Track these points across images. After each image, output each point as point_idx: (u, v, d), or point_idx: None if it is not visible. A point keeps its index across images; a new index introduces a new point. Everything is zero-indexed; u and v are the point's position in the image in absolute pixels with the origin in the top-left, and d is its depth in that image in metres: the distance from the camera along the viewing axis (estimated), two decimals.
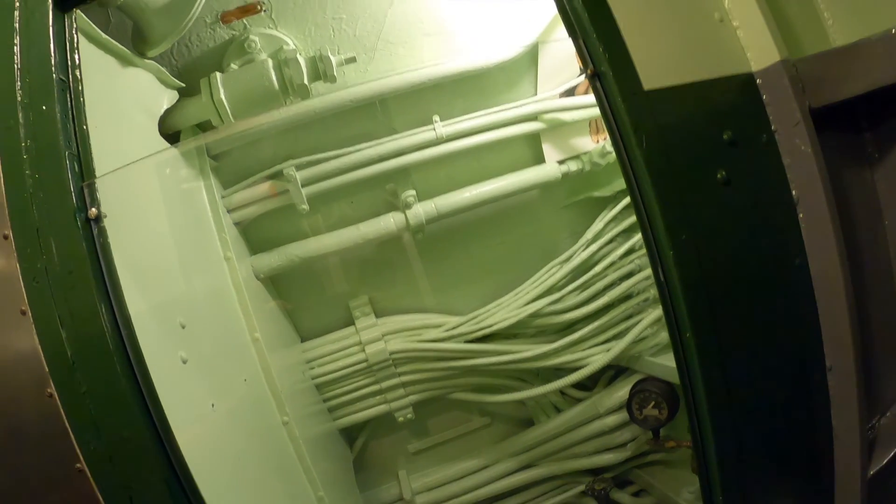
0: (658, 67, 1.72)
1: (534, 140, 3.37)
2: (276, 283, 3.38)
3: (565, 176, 3.33)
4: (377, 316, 3.49)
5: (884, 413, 2.14)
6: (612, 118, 1.71)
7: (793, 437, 1.91)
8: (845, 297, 1.85)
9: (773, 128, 1.84)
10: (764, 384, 1.87)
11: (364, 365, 3.35)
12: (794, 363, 1.90)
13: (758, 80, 1.86)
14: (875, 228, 2.23)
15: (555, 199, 3.53)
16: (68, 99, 1.81)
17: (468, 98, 3.21)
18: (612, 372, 3.49)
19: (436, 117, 3.15)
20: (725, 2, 1.90)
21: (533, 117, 3.25)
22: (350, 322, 3.48)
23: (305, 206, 3.08)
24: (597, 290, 3.22)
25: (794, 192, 1.84)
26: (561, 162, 3.36)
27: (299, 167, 3.09)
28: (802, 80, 1.87)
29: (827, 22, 2.24)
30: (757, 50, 1.86)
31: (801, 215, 1.85)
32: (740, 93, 1.83)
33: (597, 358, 3.09)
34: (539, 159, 3.39)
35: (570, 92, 3.23)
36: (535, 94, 3.29)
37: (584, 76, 3.06)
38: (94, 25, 2.12)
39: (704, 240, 1.71)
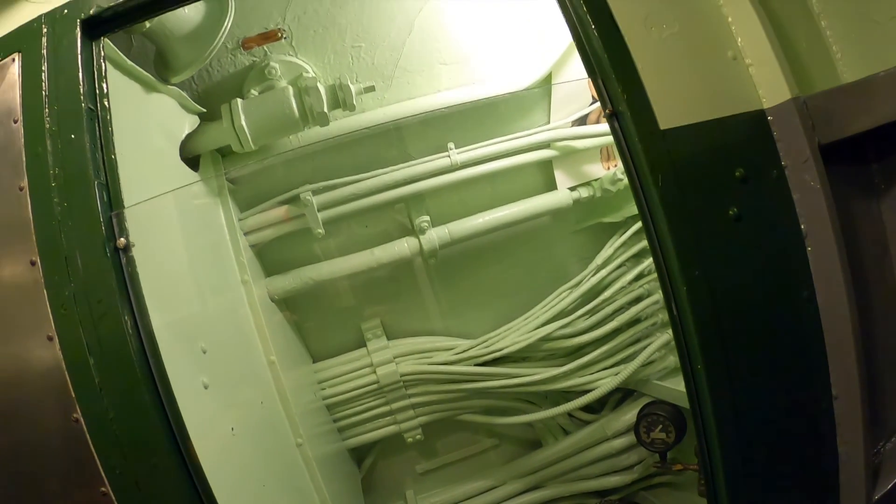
0: (674, 106, 1.77)
1: (546, 167, 3.43)
2: (290, 305, 3.41)
3: (576, 202, 3.37)
4: (389, 338, 3.52)
5: (889, 439, 2.16)
6: (629, 157, 1.75)
7: (799, 463, 1.93)
8: (851, 328, 1.89)
9: (783, 164, 1.88)
10: (771, 412, 1.90)
11: (375, 386, 3.37)
12: (802, 392, 1.92)
13: (769, 118, 1.90)
14: (882, 257, 2.26)
15: (566, 225, 3.58)
16: (97, 128, 1.84)
17: (483, 125, 3.27)
18: (620, 395, 3.49)
19: (451, 144, 3.20)
20: (739, 40, 1.95)
21: (545, 145, 3.30)
22: (362, 344, 3.51)
23: (321, 231, 3.12)
24: (606, 314, 3.24)
25: (802, 226, 1.88)
26: (572, 188, 3.40)
27: (315, 192, 3.14)
28: (812, 117, 1.92)
29: (836, 56, 2.29)
30: (768, 87, 1.91)
31: (809, 248, 1.89)
32: (752, 130, 1.87)
33: (605, 381, 3.10)
34: (551, 185, 3.44)
35: (581, 120, 3.28)
36: (548, 122, 3.35)
37: (595, 104, 3.13)
38: (118, 51, 2.17)
39: (716, 275, 1.74)
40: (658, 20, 1.86)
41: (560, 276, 3.44)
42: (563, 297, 3.33)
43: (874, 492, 1.97)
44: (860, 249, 2.17)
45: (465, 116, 3.23)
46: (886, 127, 2.03)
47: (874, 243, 2.25)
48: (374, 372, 3.37)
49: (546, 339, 3.26)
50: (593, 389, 3.15)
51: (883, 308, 2.23)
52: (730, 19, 1.97)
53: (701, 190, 1.75)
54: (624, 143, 1.76)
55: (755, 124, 1.88)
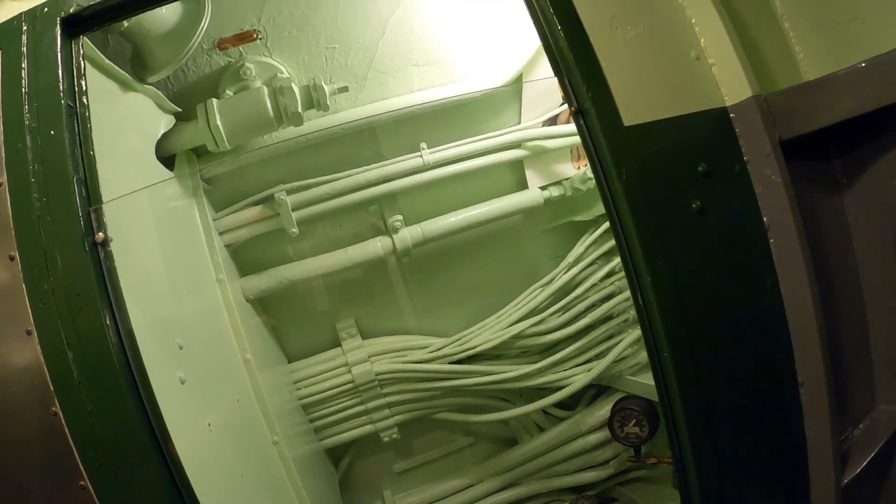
0: (637, 104, 1.84)
1: (517, 166, 3.48)
2: (265, 305, 3.43)
3: (547, 201, 3.43)
4: (363, 337, 3.55)
5: (857, 425, 2.26)
6: (594, 153, 1.81)
7: (769, 450, 1.99)
8: (815, 315, 1.97)
9: (745, 159, 1.96)
10: (739, 399, 1.96)
11: (350, 386, 3.39)
12: (768, 379, 1.99)
13: (731, 115, 1.98)
14: (845, 250, 2.35)
15: (537, 224, 3.63)
16: (76, 125, 1.86)
17: (455, 126, 3.32)
18: (594, 391, 3.56)
19: (423, 144, 3.25)
20: (702, 40, 2.03)
21: (517, 145, 3.36)
22: (337, 343, 3.53)
23: (295, 230, 3.15)
24: (578, 311, 3.30)
25: (765, 219, 1.96)
26: (543, 187, 3.46)
27: (289, 192, 3.16)
28: (773, 114, 2.00)
29: (799, 56, 2.38)
30: (730, 86, 1.99)
31: (772, 240, 1.97)
32: (714, 126, 1.95)
33: (578, 378, 3.15)
34: (522, 185, 3.50)
35: (552, 120, 3.35)
36: (519, 122, 3.41)
37: (566, 106, 3.19)
38: (96, 50, 2.19)
39: (680, 266, 1.81)
40: (623, 21, 1.93)
41: (532, 274, 3.50)
42: (536, 294, 3.38)
43: (843, 476, 2.04)
44: (823, 241, 2.26)
45: (438, 117, 3.28)
46: (848, 123, 2.12)
47: (837, 235, 2.33)
48: (350, 371, 3.39)
49: (519, 336, 3.31)
50: (567, 386, 3.20)
51: (847, 298, 2.32)
52: (693, 21, 2.04)
53: (664, 184, 1.82)
54: (589, 140, 1.82)
55: (718, 121, 1.96)
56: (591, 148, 1.82)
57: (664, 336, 1.80)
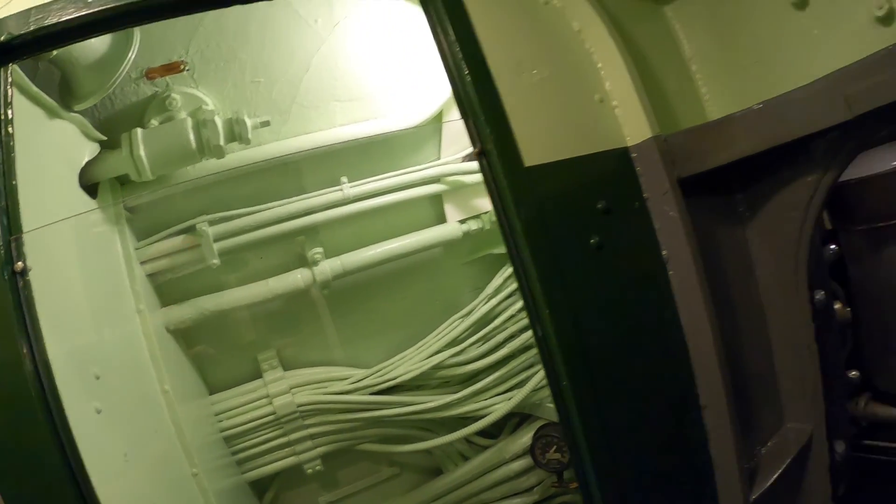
0: (539, 145, 1.96)
1: (437, 200, 3.58)
2: (187, 336, 3.37)
3: (466, 234, 3.52)
4: (285, 369, 3.52)
5: (766, 443, 2.44)
6: (495, 192, 1.92)
7: (676, 471, 2.11)
8: (713, 343, 2.13)
9: (645, 196, 2.12)
10: (643, 425, 2.08)
11: (272, 417, 3.36)
12: (671, 404, 2.13)
13: (632, 154, 2.14)
14: (747, 279, 2.54)
15: (457, 256, 3.71)
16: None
17: (376, 160, 3.40)
18: (517, 419, 3.61)
19: (344, 178, 3.31)
20: (607, 84, 2.19)
21: (436, 179, 3.47)
22: (258, 375, 3.50)
23: (216, 261, 3.13)
24: (497, 341, 3.38)
25: (664, 252, 2.11)
26: (462, 221, 3.56)
27: (212, 223, 3.15)
28: (672, 153, 2.18)
29: (704, 97, 2.57)
30: (632, 127, 2.15)
31: (671, 272, 2.13)
32: (616, 166, 2.10)
33: (499, 406, 3.24)
34: (442, 218, 3.59)
35: (471, 156, 3.43)
36: (439, 157, 3.52)
37: None
38: (24, 76, 2.18)
39: (579, 298, 1.93)
40: (530, 65, 2.06)
41: (452, 305, 3.57)
42: (455, 325, 3.45)
43: (752, 492, 2.18)
44: (727, 272, 2.44)
45: (359, 152, 3.36)
46: (749, 160, 2.31)
47: (741, 266, 2.53)
48: (271, 403, 3.36)
49: (439, 366, 3.37)
50: (488, 414, 3.28)
51: (752, 324, 2.52)
52: (600, 65, 2.21)
53: (563, 221, 1.94)
54: (491, 180, 1.93)
55: (619, 160, 2.11)
56: (493, 187, 1.92)
57: (563, 366, 1.90)
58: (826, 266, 3.62)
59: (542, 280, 1.88)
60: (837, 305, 3.65)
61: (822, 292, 3.21)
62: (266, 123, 3.04)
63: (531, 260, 1.88)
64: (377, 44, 3.20)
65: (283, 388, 3.40)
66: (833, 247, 3.79)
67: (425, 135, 3.46)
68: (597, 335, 1.96)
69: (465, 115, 1.98)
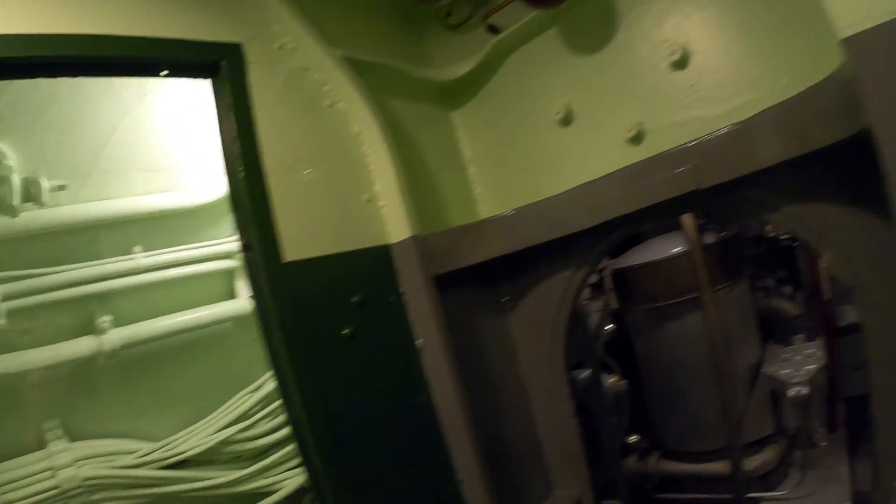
0: (302, 242, 2.10)
1: (230, 276, 3.65)
2: None
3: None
4: (72, 440, 3.30)
5: None
6: (255, 285, 2.04)
7: None
8: (465, 423, 2.32)
9: (401, 290, 2.33)
10: (403, 500, 2.22)
11: (56, 492, 3.11)
12: (430, 480, 2.29)
13: (393, 252, 2.35)
14: (512, 362, 2.80)
15: (247, 332, 3.61)
16: None
17: (174, 232, 3.42)
18: (313, 493, 3.64)
19: (138, 248, 3.30)
20: (376, 186, 2.39)
21: (230, 255, 3.55)
22: (42, 446, 3.25)
23: (2, 322, 2.96)
24: (286, 417, 3.41)
25: (419, 342, 2.32)
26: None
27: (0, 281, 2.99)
28: (431, 252, 2.40)
29: (478, 198, 2.86)
30: (395, 226, 2.36)
31: (424, 361, 2.33)
32: (375, 262, 2.29)
33: (290, 481, 3.28)
34: (234, 294, 3.65)
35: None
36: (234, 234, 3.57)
37: None
38: None
39: (329, 384, 2.05)
40: (305, 164, 2.22)
41: (243, 380, 3.57)
42: (244, 400, 3.46)
43: None
44: (490, 355, 2.69)
45: (157, 222, 3.35)
46: (511, 257, 2.59)
47: (505, 350, 2.79)
48: (55, 476, 3.14)
49: (228, 441, 3.35)
50: (279, 490, 3.31)
51: (514, 401, 2.77)
52: (372, 167, 2.41)
53: (317, 313, 2.08)
54: (251, 272, 2.05)
55: (379, 257, 2.30)
56: (253, 280, 2.04)
57: (314, 446, 2.00)
58: (600, 345, 4.03)
59: (295, 368, 1.98)
60: (613, 379, 4.06)
61: (589, 370, 3.57)
62: (63, 188, 2.98)
63: (285, 350, 1.99)
64: (184, 118, 3.24)
65: (68, 460, 3.18)
66: (610, 326, 4.23)
67: (222, 211, 3.48)
68: (348, 417, 2.08)
69: (234, 207, 2.08)
